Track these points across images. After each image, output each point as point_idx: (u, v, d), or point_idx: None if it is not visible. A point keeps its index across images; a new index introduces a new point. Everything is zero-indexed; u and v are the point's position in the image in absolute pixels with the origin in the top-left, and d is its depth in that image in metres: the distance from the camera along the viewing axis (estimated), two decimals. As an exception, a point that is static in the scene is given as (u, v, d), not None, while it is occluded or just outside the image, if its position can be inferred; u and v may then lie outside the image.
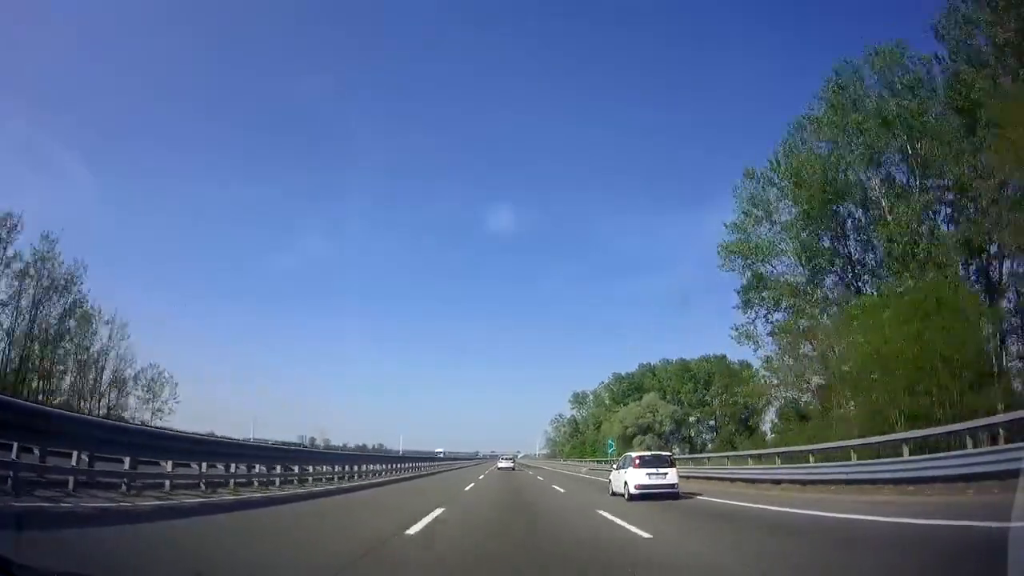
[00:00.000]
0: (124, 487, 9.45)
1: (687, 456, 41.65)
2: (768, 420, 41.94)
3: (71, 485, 8.35)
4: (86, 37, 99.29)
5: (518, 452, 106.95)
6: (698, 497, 15.97)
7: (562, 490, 20.93)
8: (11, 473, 7.31)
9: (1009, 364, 22.06)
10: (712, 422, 69.82)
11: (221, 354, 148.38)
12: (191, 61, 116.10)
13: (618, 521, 10.20)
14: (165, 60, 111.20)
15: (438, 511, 11.32)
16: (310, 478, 18.03)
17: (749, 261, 29.80)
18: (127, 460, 9.69)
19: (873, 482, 14.02)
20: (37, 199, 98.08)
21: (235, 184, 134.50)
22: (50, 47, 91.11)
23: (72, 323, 36.96)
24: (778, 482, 18.36)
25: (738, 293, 30.66)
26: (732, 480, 21.98)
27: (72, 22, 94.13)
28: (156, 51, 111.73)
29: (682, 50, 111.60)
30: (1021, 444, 10.69)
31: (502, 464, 47.77)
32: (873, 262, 27.74)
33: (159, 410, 42.14)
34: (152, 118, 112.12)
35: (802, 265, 28.32)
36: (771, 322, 30.32)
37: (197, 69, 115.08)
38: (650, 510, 12.42)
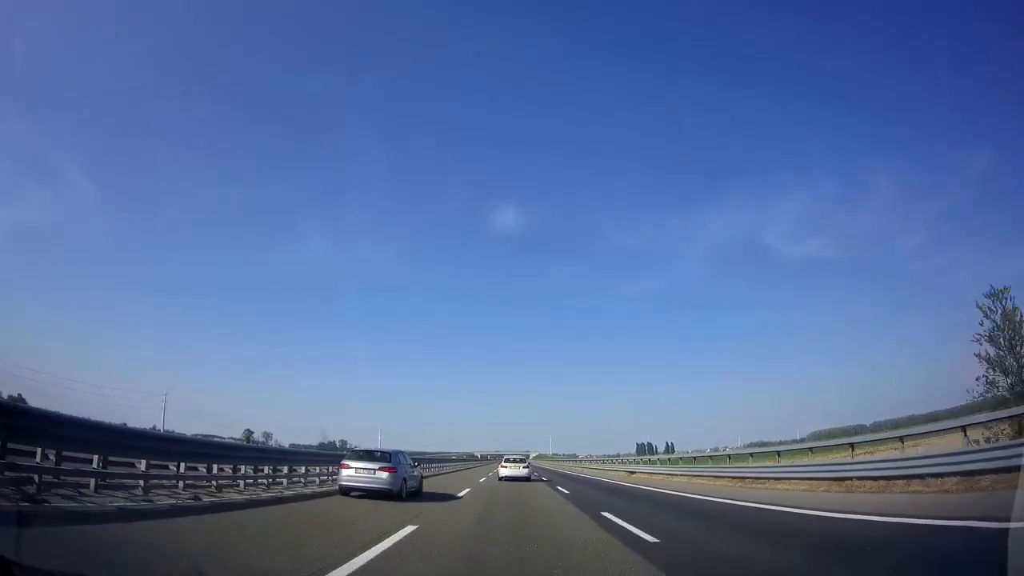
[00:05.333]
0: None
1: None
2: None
3: None
4: (85, 35, 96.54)
5: (529, 452, 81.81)
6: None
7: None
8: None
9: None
10: None
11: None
12: (192, 61, 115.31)
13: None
14: (167, 59, 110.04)
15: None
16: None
17: None
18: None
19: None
20: (35, 199, 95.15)
21: (233, 185, 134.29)
22: (49, 44, 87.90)
23: None
24: None
25: None
26: None
27: (72, 20, 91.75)
28: (157, 50, 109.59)
29: (683, 50, 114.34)
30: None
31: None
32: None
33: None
34: (154, 118, 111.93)
35: None
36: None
37: (198, 69, 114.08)
38: None
